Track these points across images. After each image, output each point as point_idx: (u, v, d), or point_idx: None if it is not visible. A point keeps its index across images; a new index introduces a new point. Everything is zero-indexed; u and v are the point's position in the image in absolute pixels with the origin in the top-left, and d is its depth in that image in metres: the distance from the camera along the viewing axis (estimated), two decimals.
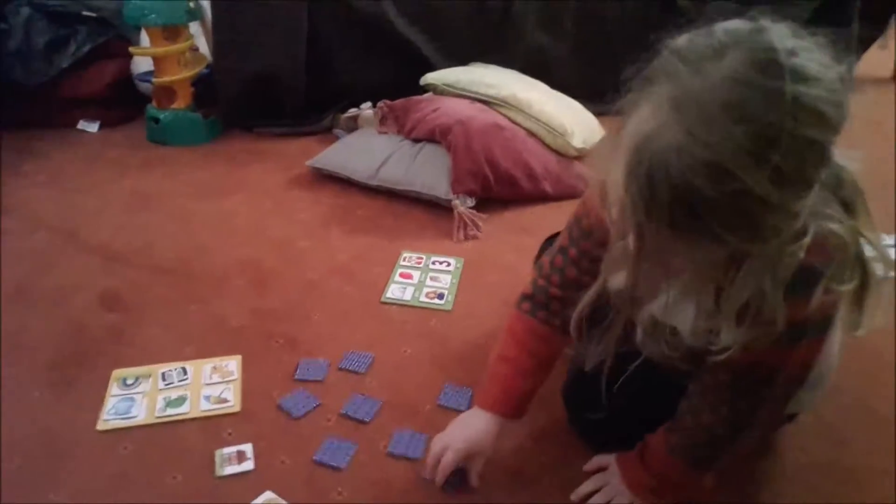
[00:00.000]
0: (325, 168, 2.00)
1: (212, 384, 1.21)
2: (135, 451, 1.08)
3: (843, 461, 1.07)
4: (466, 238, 1.72)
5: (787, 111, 0.57)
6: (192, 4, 2.25)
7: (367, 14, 2.30)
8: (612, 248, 0.80)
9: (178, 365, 1.26)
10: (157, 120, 2.28)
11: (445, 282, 1.53)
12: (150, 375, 1.23)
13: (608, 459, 1.01)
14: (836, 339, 0.89)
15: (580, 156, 2.04)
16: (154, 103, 2.31)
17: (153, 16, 2.14)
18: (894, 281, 0.77)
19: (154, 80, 2.25)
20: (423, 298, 1.47)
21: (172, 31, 2.21)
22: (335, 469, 1.05)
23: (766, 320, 0.69)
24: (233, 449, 1.08)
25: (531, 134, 1.97)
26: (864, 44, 2.56)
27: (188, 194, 1.95)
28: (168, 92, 2.28)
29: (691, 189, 0.59)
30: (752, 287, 0.68)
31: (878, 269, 0.75)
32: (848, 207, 0.71)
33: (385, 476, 1.04)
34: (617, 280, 0.80)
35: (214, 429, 1.12)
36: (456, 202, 1.77)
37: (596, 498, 0.99)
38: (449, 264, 1.60)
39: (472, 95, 2.05)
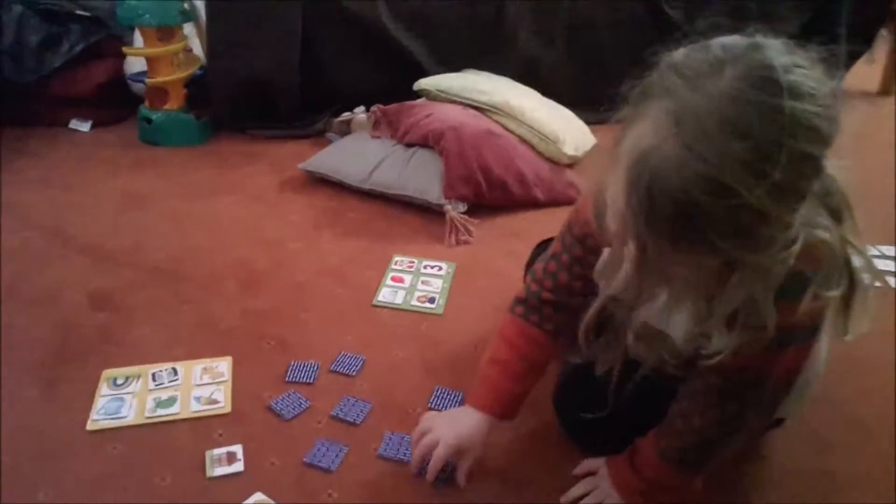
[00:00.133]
0: (317, 171, 2.00)
1: (202, 385, 1.21)
2: (124, 452, 1.08)
3: (827, 466, 1.09)
4: (458, 243, 1.73)
5: (785, 127, 0.59)
6: (186, 5, 2.25)
7: (362, 18, 2.31)
8: (607, 255, 0.81)
9: (169, 365, 1.25)
10: (149, 120, 2.27)
11: (437, 286, 1.54)
12: (140, 376, 1.23)
13: (598, 463, 1.02)
14: (823, 346, 0.91)
15: (572, 163, 2.06)
16: (147, 104, 2.30)
17: (147, 16, 2.14)
18: (880, 290, 0.79)
19: (147, 80, 2.24)
20: (414, 302, 1.48)
21: (166, 31, 2.20)
22: (325, 471, 1.05)
23: (756, 325, 0.71)
24: (223, 450, 1.07)
25: (523, 141, 1.98)
26: (852, 58, 2.59)
27: (180, 195, 1.94)
28: (161, 93, 2.27)
29: (691, 203, 0.60)
30: (744, 293, 0.69)
31: (866, 277, 0.77)
32: (835, 215, 0.73)
33: (375, 478, 1.04)
34: (611, 287, 0.81)
35: (205, 430, 1.12)
36: (448, 207, 1.78)
37: (586, 500, 0.99)
38: (440, 268, 1.60)
39: (466, 101, 2.06)
